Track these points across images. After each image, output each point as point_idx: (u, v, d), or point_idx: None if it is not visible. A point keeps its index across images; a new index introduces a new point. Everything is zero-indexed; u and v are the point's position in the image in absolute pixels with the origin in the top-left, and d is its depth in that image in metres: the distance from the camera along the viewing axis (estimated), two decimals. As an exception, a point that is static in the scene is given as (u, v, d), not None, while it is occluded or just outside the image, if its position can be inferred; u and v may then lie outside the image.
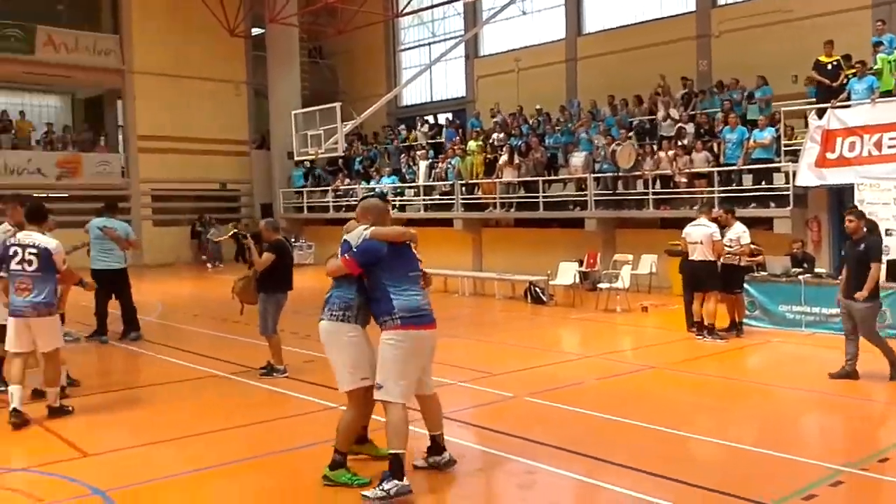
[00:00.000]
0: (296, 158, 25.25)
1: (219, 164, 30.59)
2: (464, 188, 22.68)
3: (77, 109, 33.17)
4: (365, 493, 5.30)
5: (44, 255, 7.46)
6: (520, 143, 22.16)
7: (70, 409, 7.77)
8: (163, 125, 28.95)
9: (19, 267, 7.44)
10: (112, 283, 11.85)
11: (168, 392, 9.04)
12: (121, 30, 28.81)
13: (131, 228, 13.09)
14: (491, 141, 23.36)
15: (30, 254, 7.46)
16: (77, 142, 28.83)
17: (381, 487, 5.24)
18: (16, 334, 7.49)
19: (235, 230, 21.05)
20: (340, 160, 28.02)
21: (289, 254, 9.57)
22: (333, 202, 27.27)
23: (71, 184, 27.03)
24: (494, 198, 21.45)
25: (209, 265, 26.96)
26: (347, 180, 27.41)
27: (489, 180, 21.76)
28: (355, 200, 18.19)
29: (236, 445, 6.71)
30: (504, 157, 21.25)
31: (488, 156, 22.55)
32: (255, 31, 31.39)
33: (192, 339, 12.58)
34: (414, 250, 5.79)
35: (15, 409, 7.29)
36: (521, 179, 21.01)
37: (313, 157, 23.22)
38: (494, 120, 24.59)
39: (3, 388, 8.11)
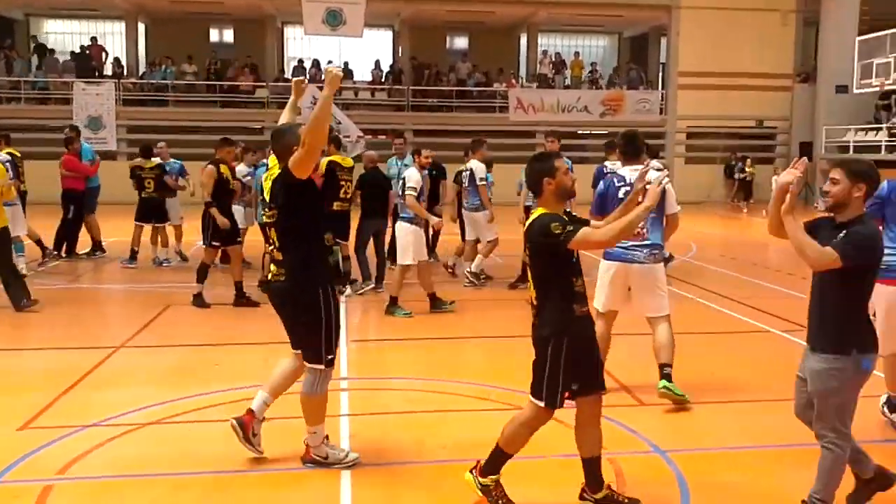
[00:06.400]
0: (854, 91, 22.56)
1: (756, 100, 28.86)
2: None
3: (623, 49, 34.29)
4: None
5: None
6: None
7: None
8: (703, 60, 28.31)
9: None
10: None
11: (723, 344, 8.55)
12: (669, -35, 28.66)
13: None
14: None
15: None
16: (621, 81, 29.82)
17: None
18: None
19: None
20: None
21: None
22: (887, 142, 23.92)
23: (612, 121, 28.01)
24: None
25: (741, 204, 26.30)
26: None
27: None
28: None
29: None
30: None
31: None
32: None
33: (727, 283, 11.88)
34: None
35: None
36: None
37: (878, 88, 20.45)
38: None
39: None
